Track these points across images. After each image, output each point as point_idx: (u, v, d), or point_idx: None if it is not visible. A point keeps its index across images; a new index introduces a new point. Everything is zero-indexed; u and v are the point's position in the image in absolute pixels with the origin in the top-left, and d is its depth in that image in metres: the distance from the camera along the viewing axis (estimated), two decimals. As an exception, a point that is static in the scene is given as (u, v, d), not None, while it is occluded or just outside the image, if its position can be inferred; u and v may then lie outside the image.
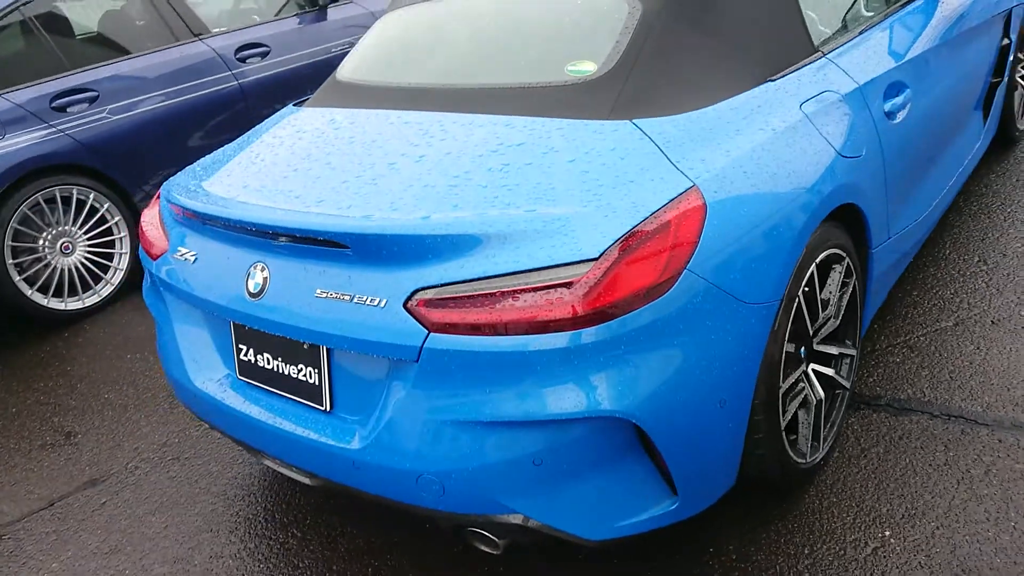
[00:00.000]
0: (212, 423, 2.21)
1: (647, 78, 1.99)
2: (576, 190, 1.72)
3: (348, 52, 5.13)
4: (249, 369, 2.07)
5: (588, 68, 2.06)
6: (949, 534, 2.00)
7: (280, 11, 4.91)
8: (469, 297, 1.63)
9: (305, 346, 1.91)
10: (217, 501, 2.57)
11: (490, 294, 1.62)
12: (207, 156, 2.52)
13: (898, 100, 2.41)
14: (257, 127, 2.63)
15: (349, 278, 1.77)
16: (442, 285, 1.66)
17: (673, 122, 1.90)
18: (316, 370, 1.91)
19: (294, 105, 2.75)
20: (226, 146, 2.53)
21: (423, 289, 1.68)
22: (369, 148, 2.06)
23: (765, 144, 1.91)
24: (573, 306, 1.57)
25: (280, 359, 1.98)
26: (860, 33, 2.47)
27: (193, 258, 2.10)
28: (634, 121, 1.91)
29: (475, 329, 1.62)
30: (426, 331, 1.66)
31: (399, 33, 2.58)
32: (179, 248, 2.15)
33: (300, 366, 1.94)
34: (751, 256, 1.76)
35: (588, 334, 1.59)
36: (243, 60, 4.56)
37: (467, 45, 2.34)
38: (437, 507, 1.77)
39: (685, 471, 1.75)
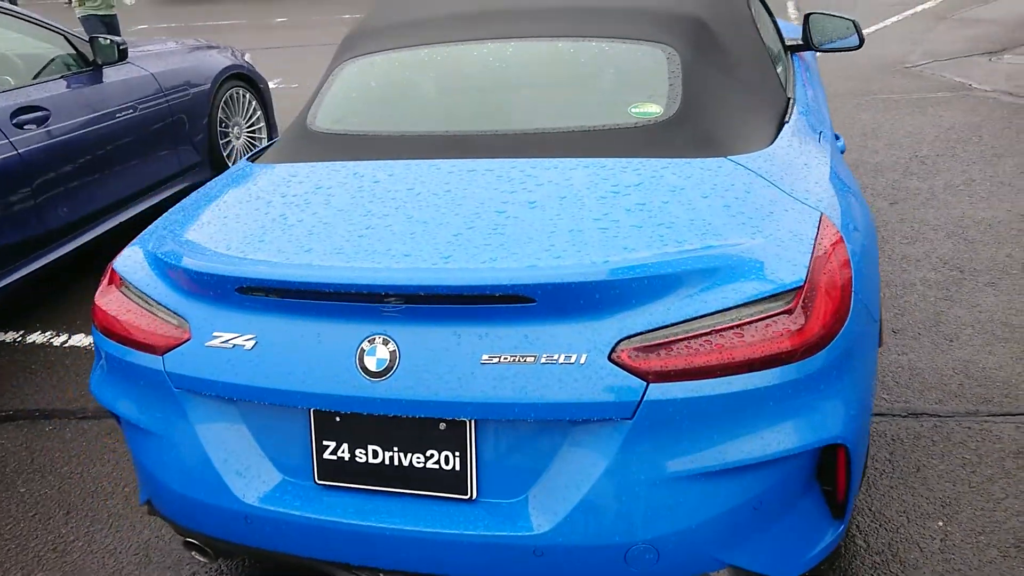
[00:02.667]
0: (269, 548, 1.77)
1: (710, 119, 2.04)
2: (731, 224, 1.70)
3: (146, 112, 4.52)
4: (337, 469, 1.70)
5: (653, 110, 2.05)
6: (989, 512, 2.24)
7: (40, 73, 4.17)
8: (685, 339, 1.52)
9: (443, 426, 1.63)
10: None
11: (710, 333, 1.52)
12: (160, 226, 2.06)
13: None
14: (212, 188, 2.21)
15: (526, 336, 1.55)
16: (650, 331, 1.53)
17: (758, 159, 1.97)
18: (457, 453, 1.63)
19: (249, 160, 2.37)
20: (181, 213, 2.09)
21: (628, 338, 1.53)
22: (449, 199, 1.84)
23: (832, 170, 2.05)
24: (798, 335, 1.54)
25: (397, 448, 1.67)
26: (795, 84, 2.76)
27: (251, 343, 1.69)
28: (729, 158, 1.94)
29: (702, 373, 1.51)
30: (644, 383, 1.51)
31: (391, 81, 2.34)
32: (218, 333, 1.72)
33: (431, 452, 1.65)
34: (871, 276, 1.87)
35: (813, 362, 1.56)
36: (20, 126, 3.78)
37: (498, 92, 2.21)
38: (643, 580, 1.60)
39: (854, 493, 1.78)
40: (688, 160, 1.92)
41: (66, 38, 4.31)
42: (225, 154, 5.30)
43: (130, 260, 1.96)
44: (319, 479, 1.72)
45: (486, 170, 1.95)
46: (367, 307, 1.61)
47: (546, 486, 1.60)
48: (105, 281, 1.98)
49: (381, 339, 1.61)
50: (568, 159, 1.95)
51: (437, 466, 1.65)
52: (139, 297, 1.86)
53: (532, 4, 2.42)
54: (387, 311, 1.61)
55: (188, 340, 1.75)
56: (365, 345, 1.61)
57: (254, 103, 5.67)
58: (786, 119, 2.28)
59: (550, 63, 2.25)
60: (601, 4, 2.35)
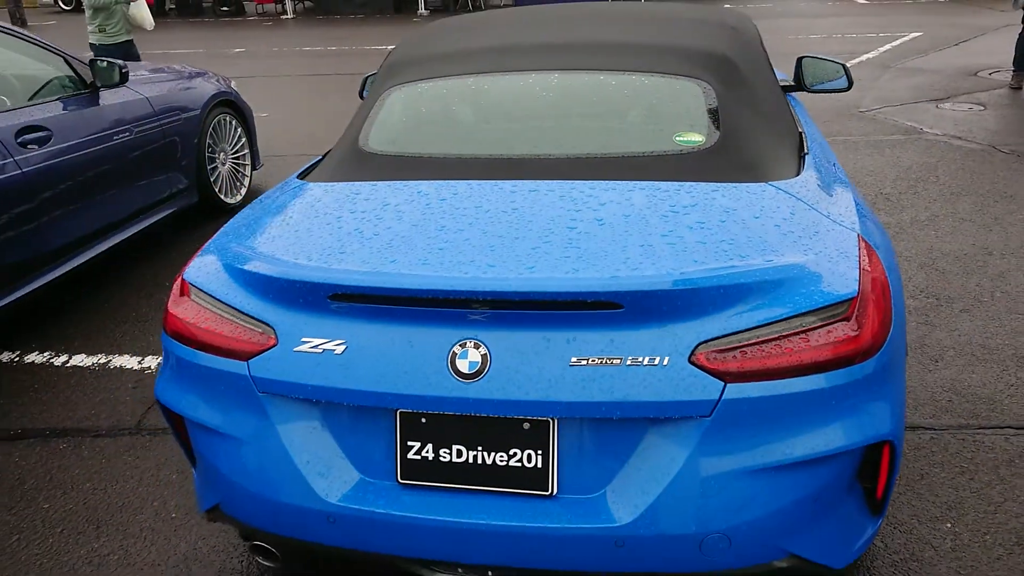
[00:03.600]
0: (350, 547, 1.84)
1: (747, 148, 2.22)
2: (785, 241, 1.86)
3: (140, 135, 4.51)
4: (421, 469, 1.79)
5: (697, 139, 2.22)
6: (991, 515, 2.43)
7: (38, 93, 4.17)
8: (759, 344, 1.67)
9: (526, 426, 1.74)
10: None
11: (780, 338, 1.67)
12: (227, 238, 2.13)
13: None
14: (269, 202, 2.29)
15: (612, 340, 1.68)
16: (726, 335, 1.67)
17: (795, 185, 2.14)
18: (540, 451, 1.74)
19: (299, 178, 2.46)
20: (245, 227, 2.16)
21: (706, 342, 1.67)
22: (519, 216, 1.97)
23: (854, 197, 2.24)
24: (855, 340, 1.70)
25: (481, 448, 1.76)
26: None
27: (342, 348, 1.77)
28: (771, 184, 2.11)
29: (774, 374, 1.66)
30: (722, 383, 1.65)
31: (440, 106, 2.47)
32: (307, 339, 1.80)
33: (514, 451, 1.75)
34: (898, 291, 2.05)
35: (868, 365, 1.72)
36: (23, 145, 3.77)
37: (545, 118, 2.35)
38: (715, 567, 1.72)
39: (891, 489, 1.93)
40: (734, 184, 2.09)
41: (65, 59, 4.33)
42: (212, 179, 5.33)
43: (203, 270, 2.02)
44: (402, 479, 1.80)
45: (548, 190, 2.08)
46: (458, 313, 1.72)
47: (625, 481, 1.71)
48: (176, 291, 2.04)
49: (472, 343, 1.71)
50: (624, 182, 2.10)
51: (520, 464, 1.75)
52: (218, 305, 1.93)
53: (572, 40, 2.59)
54: (478, 317, 1.71)
55: (274, 346, 1.82)
56: (457, 349, 1.71)
57: (239, 130, 5.72)
58: (804, 151, 2.48)
59: (593, 93, 2.40)
60: (638, 41, 2.53)
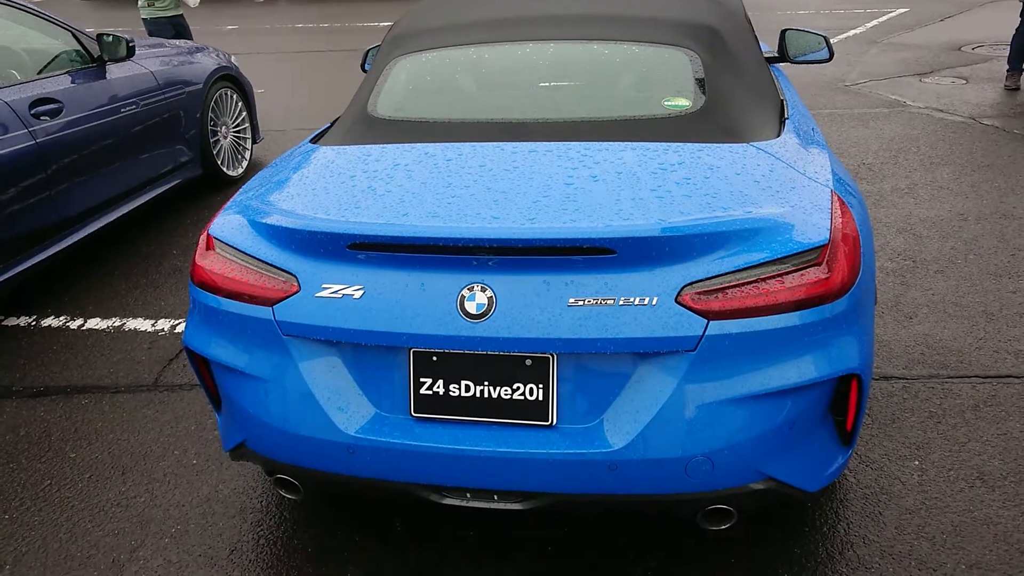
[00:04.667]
0: (368, 476, 2.02)
1: (730, 112, 2.39)
2: (764, 195, 2.04)
3: (146, 108, 4.61)
4: (432, 403, 1.97)
5: (684, 103, 2.39)
6: (956, 453, 2.63)
7: (47, 67, 4.30)
8: (738, 286, 1.85)
9: (528, 362, 1.91)
10: None
11: (758, 280, 1.85)
12: (248, 196, 2.29)
13: None
14: (285, 164, 2.45)
15: (606, 283, 1.85)
16: (709, 278, 1.85)
17: (774, 145, 2.32)
18: (541, 385, 1.92)
19: (311, 143, 2.62)
20: (264, 187, 2.32)
21: (691, 284, 1.85)
22: (519, 174, 2.13)
23: (830, 159, 2.41)
24: (826, 282, 1.88)
25: (487, 383, 1.94)
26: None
27: (360, 293, 1.94)
28: (752, 144, 2.28)
29: (752, 312, 1.84)
30: (705, 320, 1.83)
31: (444, 75, 2.62)
32: (327, 285, 1.97)
33: (517, 385, 1.93)
34: (869, 242, 2.23)
35: (838, 305, 1.90)
36: (36, 117, 3.91)
37: (543, 85, 2.51)
38: (700, 489, 1.91)
39: (860, 422, 2.12)
40: (718, 145, 2.26)
41: (72, 34, 4.44)
42: (215, 152, 5.47)
43: (227, 225, 2.18)
44: (415, 412, 1.98)
45: (546, 151, 2.25)
46: (466, 259, 1.89)
47: (618, 411, 1.90)
48: (202, 245, 2.20)
49: (479, 287, 1.89)
50: (615, 143, 2.27)
51: (522, 397, 1.94)
52: (242, 257, 2.09)
53: (566, 11, 2.74)
54: (484, 263, 1.89)
55: (297, 292, 1.99)
56: (465, 292, 1.89)
57: (240, 104, 5.84)
58: (785, 116, 2.65)
59: (587, 61, 2.57)
60: (629, 13, 2.69)
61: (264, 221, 2.09)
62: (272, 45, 12.25)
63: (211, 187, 5.63)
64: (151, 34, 7.20)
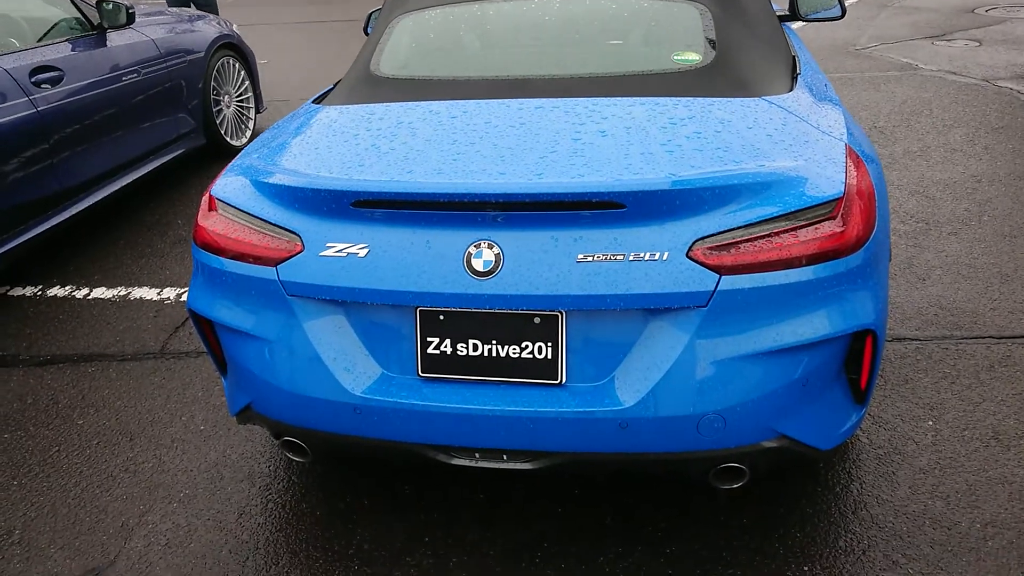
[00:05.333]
0: (375, 436, 2.00)
1: (741, 66, 2.33)
2: (777, 148, 1.99)
3: (148, 76, 4.51)
4: (439, 362, 1.94)
5: (694, 58, 2.33)
6: (970, 413, 2.60)
7: (44, 36, 4.24)
8: (751, 240, 1.81)
9: (537, 320, 1.88)
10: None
11: (771, 234, 1.81)
12: (250, 158, 2.25)
13: None
14: (288, 125, 2.41)
15: (616, 238, 1.81)
16: (721, 232, 1.81)
17: (787, 100, 2.26)
18: (549, 343, 1.89)
19: (314, 103, 2.57)
20: (267, 148, 2.28)
21: (703, 238, 1.81)
22: (526, 130, 2.09)
23: (844, 114, 2.36)
24: (841, 236, 1.84)
25: (495, 341, 1.91)
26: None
27: (364, 251, 1.91)
28: (763, 98, 2.23)
29: (765, 267, 1.80)
30: (717, 275, 1.79)
31: (448, 32, 2.57)
32: (332, 244, 1.94)
33: (526, 343, 1.90)
34: (884, 197, 2.18)
35: (852, 259, 1.86)
36: (37, 85, 3.87)
37: (549, 41, 2.45)
38: (712, 447, 1.88)
39: (874, 379, 2.09)
40: (729, 99, 2.20)
41: (72, 1, 4.39)
42: (218, 122, 5.42)
43: (229, 186, 2.15)
44: (422, 372, 1.96)
45: (553, 107, 2.20)
46: (473, 215, 1.85)
47: (628, 368, 1.87)
48: (205, 206, 2.17)
49: (486, 243, 1.85)
50: (624, 98, 2.22)
51: (531, 356, 1.91)
52: (245, 217, 2.06)
53: None
54: (491, 219, 1.85)
55: (301, 252, 1.96)
56: (472, 249, 1.85)
57: (242, 73, 5.78)
58: (797, 71, 2.59)
59: (595, 16, 2.51)
60: None
61: (267, 181, 2.05)
62: (274, 16, 12.14)
63: (214, 157, 5.59)
64: (171, 4, 7.02)
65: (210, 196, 2.17)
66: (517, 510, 2.34)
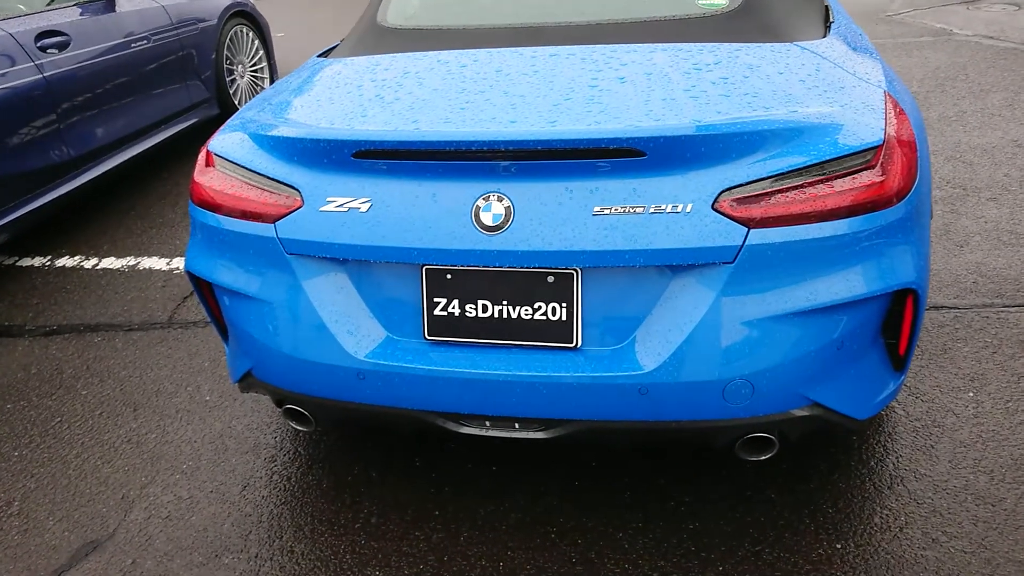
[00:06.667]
0: (380, 403, 1.88)
1: (769, 11, 2.17)
2: (811, 94, 1.84)
3: (158, 44, 4.46)
4: (447, 325, 1.82)
5: (720, 2, 2.18)
6: (1014, 384, 2.44)
7: (52, 1, 4.14)
8: (783, 191, 1.66)
9: (551, 279, 1.75)
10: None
11: (804, 185, 1.67)
12: (251, 111, 2.13)
13: None
14: (292, 80, 2.29)
15: (635, 189, 1.68)
16: (750, 183, 1.67)
17: (820, 45, 2.11)
18: (564, 303, 1.76)
19: (320, 57, 2.45)
20: (269, 102, 2.16)
21: (729, 189, 1.67)
22: (540, 78, 1.95)
23: (881, 61, 2.20)
24: (880, 187, 1.69)
25: (506, 302, 1.79)
26: None
27: (367, 206, 1.79)
28: (796, 43, 2.07)
29: (797, 219, 1.66)
30: (746, 228, 1.65)
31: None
32: (332, 198, 1.82)
33: (539, 304, 1.78)
34: (925, 148, 2.02)
35: (893, 212, 1.71)
36: (43, 49, 3.77)
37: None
38: (739, 415, 1.75)
39: (914, 345, 1.94)
40: (758, 44, 2.05)
41: (79, -34, 4.28)
42: (232, 92, 5.31)
43: (227, 141, 2.03)
44: (429, 335, 1.84)
45: (568, 54, 2.06)
46: (482, 166, 1.72)
47: (648, 329, 1.74)
48: (201, 162, 2.06)
49: (496, 196, 1.72)
50: (645, 44, 2.07)
51: (544, 318, 1.78)
52: (242, 172, 1.94)
53: None
54: (501, 169, 1.72)
55: (300, 207, 1.84)
56: (480, 202, 1.72)
57: (256, 42, 5.67)
58: (830, 20, 2.42)
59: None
60: None
61: (265, 134, 1.93)
62: (293, -9, 12.00)
63: (229, 128, 5.49)
64: None
65: (207, 151, 2.06)
66: (531, 483, 2.23)
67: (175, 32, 4.72)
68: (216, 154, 2.02)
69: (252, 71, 5.65)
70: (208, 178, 2.00)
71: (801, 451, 2.25)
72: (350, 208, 1.80)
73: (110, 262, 3.78)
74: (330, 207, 1.82)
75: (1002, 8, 7.09)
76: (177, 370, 2.90)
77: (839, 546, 1.96)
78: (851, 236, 1.68)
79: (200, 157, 2.08)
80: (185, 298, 3.39)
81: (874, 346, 1.84)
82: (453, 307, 1.82)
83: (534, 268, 1.74)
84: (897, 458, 2.21)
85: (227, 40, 5.26)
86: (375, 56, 2.25)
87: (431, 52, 2.19)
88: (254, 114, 2.10)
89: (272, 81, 5.83)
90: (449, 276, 1.80)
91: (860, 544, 1.96)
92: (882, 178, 1.70)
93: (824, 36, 2.20)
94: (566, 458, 2.30)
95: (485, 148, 1.68)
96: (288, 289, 1.89)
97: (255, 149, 1.96)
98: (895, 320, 1.85)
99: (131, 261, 3.77)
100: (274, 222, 1.87)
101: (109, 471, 2.43)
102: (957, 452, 2.21)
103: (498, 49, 2.14)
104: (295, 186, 1.86)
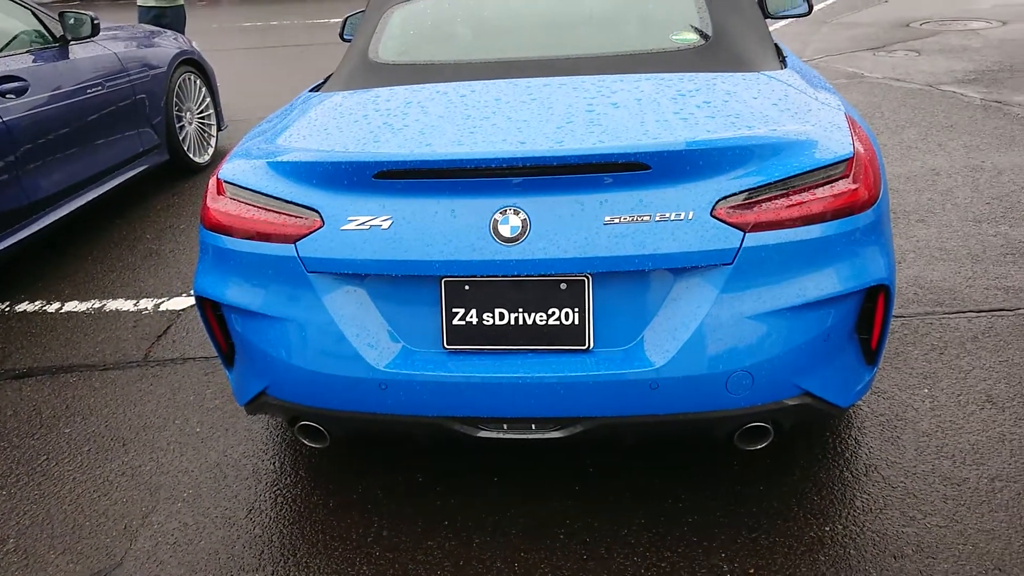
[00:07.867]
0: (402, 413, 1.97)
1: (736, 45, 2.40)
2: (784, 115, 2.04)
3: (111, 90, 4.44)
4: (466, 334, 1.93)
5: (692, 37, 2.39)
6: (962, 380, 2.68)
7: (6, 47, 4.14)
8: (772, 198, 1.85)
9: (563, 286, 1.89)
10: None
11: (792, 192, 1.86)
12: (256, 142, 2.22)
13: None
14: (289, 112, 2.40)
15: (641, 200, 1.84)
16: (743, 192, 1.85)
17: (784, 75, 2.33)
18: (576, 308, 1.90)
19: (311, 91, 2.56)
20: (271, 134, 2.26)
21: (725, 198, 1.84)
22: (539, 105, 2.11)
23: (835, 92, 2.44)
24: (855, 193, 1.90)
25: (521, 309, 1.91)
26: None
27: (388, 223, 1.90)
28: (763, 73, 2.29)
29: (787, 223, 1.84)
30: (742, 233, 1.82)
31: (445, 18, 2.59)
32: (353, 217, 1.92)
33: (552, 310, 1.91)
34: (880, 159, 2.25)
35: (866, 216, 1.92)
36: (2, 95, 3.76)
37: (548, 24, 2.49)
38: (740, 405, 1.90)
39: (884, 340, 2.14)
40: (731, 73, 2.26)
41: (32, 12, 4.29)
42: (181, 138, 5.33)
43: (237, 168, 2.11)
44: (448, 344, 1.94)
45: (560, 84, 2.23)
46: (497, 182, 1.86)
47: (656, 329, 1.88)
48: (212, 191, 2.13)
49: (512, 210, 1.86)
50: (629, 74, 2.26)
51: (558, 323, 1.91)
52: (258, 197, 2.02)
53: None
54: (515, 185, 1.86)
55: (320, 227, 1.94)
56: (499, 216, 1.86)
57: (204, 89, 5.71)
58: (784, 54, 2.67)
59: (589, 0, 2.55)
60: None
61: (281, 160, 2.03)
62: (222, 43, 12.03)
63: (177, 174, 5.48)
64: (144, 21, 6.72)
65: (217, 179, 2.14)
66: (534, 490, 2.33)
67: (127, 79, 4.74)
68: (227, 181, 2.10)
69: (200, 118, 5.68)
70: (222, 204, 2.08)
71: (782, 448, 2.42)
72: (371, 226, 1.91)
73: (74, 306, 3.74)
74: (351, 225, 1.92)
75: (904, 54, 7.69)
76: (162, 405, 2.90)
77: (828, 528, 2.12)
78: (832, 238, 1.87)
79: (210, 185, 2.15)
80: (159, 336, 3.39)
81: (852, 340, 2.03)
82: (471, 316, 1.93)
83: (548, 276, 1.88)
84: (868, 449, 2.40)
85: (176, 87, 5.29)
86: (373, 89, 2.38)
87: (428, 84, 2.33)
88: (261, 144, 2.19)
89: (219, 128, 5.86)
90: (467, 287, 1.91)
91: (847, 526, 2.13)
92: (855, 186, 1.90)
93: (783, 67, 2.44)
94: (565, 466, 2.42)
95: (502, 165, 1.82)
96: (308, 306, 1.97)
97: (270, 175, 2.05)
98: (867, 316, 2.04)
99: (96, 304, 3.74)
100: (294, 242, 1.95)
101: (107, 503, 2.42)
102: (920, 441, 2.41)
103: (493, 81, 2.29)
104: (314, 207, 1.95)
